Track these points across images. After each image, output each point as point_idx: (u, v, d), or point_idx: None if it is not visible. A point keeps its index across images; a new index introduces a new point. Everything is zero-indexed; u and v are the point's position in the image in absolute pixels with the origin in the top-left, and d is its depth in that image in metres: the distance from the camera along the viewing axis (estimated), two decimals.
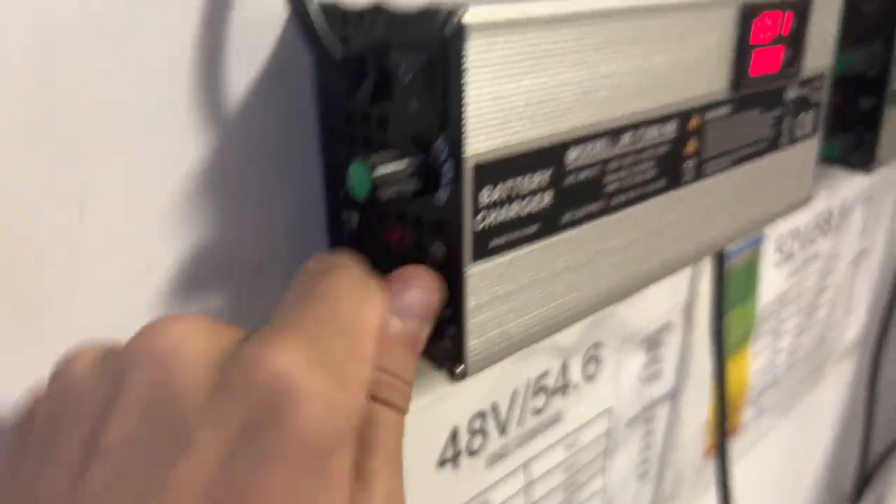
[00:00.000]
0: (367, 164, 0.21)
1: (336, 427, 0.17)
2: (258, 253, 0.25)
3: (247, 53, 0.23)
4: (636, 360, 0.46)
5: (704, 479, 0.57)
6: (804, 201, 0.39)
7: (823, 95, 0.37)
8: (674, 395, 0.50)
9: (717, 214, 0.32)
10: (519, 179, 0.22)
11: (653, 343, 0.47)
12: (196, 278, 0.24)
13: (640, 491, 0.51)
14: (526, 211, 0.23)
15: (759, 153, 0.33)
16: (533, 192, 0.23)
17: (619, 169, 0.26)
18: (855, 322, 0.74)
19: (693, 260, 0.32)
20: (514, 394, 0.38)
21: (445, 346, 0.23)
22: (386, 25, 0.21)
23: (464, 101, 0.20)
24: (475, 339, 0.23)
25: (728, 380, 0.55)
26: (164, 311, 0.23)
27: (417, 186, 0.21)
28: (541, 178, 0.23)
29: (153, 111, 0.21)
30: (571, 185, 0.24)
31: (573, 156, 0.24)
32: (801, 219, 0.57)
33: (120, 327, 0.20)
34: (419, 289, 0.21)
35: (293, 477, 0.16)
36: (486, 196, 0.22)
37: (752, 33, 0.30)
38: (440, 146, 0.21)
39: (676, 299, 0.47)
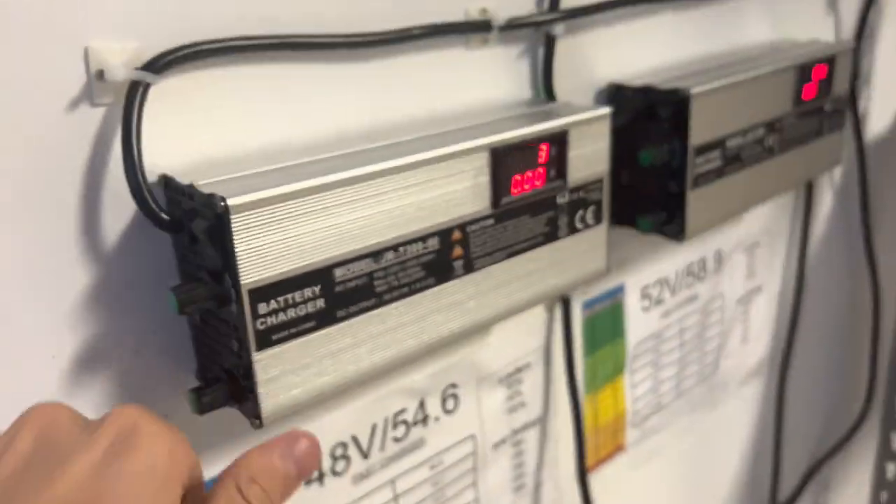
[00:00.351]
0: (174, 292, 0.32)
1: (169, 461, 0.25)
2: (137, 342, 0.37)
3: (116, 214, 0.34)
4: (496, 395, 0.56)
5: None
6: (601, 273, 0.49)
7: (604, 194, 0.47)
8: (542, 421, 0.61)
9: (498, 293, 0.43)
10: (290, 294, 0.34)
11: (512, 381, 0.57)
12: (92, 361, 0.35)
13: (518, 502, 0.61)
14: (302, 313, 0.34)
15: (535, 245, 0.44)
16: (305, 301, 0.34)
17: (386, 276, 0.37)
18: (754, 350, 0.84)
19: (476, 330, 0.42)
20: (374, 427, 0.49)
21: (248, 406, 0.34)
22: (194, 200, 0.33)
23: (235, 251, 0.31)
24: (267, 402, 0.34)
25: (600, 408, 0.66)
26: (69, 386, 0.35)
27: (214, 305, 0.33)
28: (311, 291, 0.34)
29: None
30: (342, 291, 0.35)
31: (339, 273, 0.35)
32: (666, 270, 0.67)
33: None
34: (307, 444, 0.28)
35: (136, 487, 0.25)
36: (263, 308, 0.33)
37: (506, 166, 0.41)
38: (227, 279, 0.32)
39: (534, 344, 0.58)
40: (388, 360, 0.38)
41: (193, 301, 0.32)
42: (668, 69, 0.59)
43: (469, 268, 0.41)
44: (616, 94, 0.55)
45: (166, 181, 0.34)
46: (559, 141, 0.43)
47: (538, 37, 0.50)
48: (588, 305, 0.62)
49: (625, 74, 0.56)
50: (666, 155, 0.52)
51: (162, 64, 0.33)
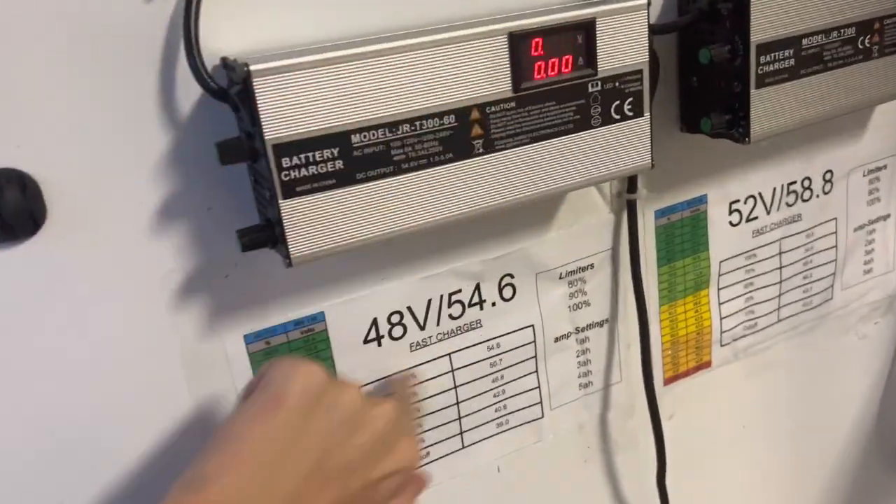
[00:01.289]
0: (217, 146, 0.40)
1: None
2: (207, 197, 0.45)
3: (186, 90, 0.43)
4: (556, 291, 0.59)
5: (663, 405, 0.68)
6: (645, 167, 0.51)
7: (644, 86, 0.48)
8: (610, 323, 0.63)
9: (522, 176, 0.46)
10: (311, 153, 0.40)
11: (574, 279, 0.60)
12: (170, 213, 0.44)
13: (589, 397, 0.64)
14: (323, 171, 0.41)
15: (564, 132, 0.47)
16: (325, 160, 0.41)
17: (403, 147, 0.42)
18: (882, 284, 0.78)
19: (498, 208, 0.46)
20: (430, 302, 0.55)
21: (281, 248, 0.42)
22: (235, 70, 0.40)
23: (259, 110, 0.38)
24: (295, 245, 0.41)
25: (679, 320, 0.67)
26: None
27: (251, 160, 0.40)
28: (330, 152, 0.41)
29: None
30: (359, 156, 0.41)
31: (356, 139, 0.41)
32: (760, 186, 0.66)
33: None
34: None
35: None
36: (287, 162, 0.40)
37: (528, 51, 0.44)
38: (256, 136, 0.39)
39: (598, 246, 0.60)
40: (406, 229, 0.43)
41: (231, 153, 0.40)
42: None
43: (490, 147, 0.45)
44: None
45: (224, 61, 0.42)
46: (586, 29, 0.45)
47: None
48: (663, 213, 0.62)
49: None
50: (727, 53, 0.52)
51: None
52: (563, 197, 0.57)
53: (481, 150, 0.45)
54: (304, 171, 0.40)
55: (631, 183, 0.58)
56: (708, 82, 0.55)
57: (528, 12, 0.46)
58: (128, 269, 0.44)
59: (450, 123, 0.43)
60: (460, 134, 0.44)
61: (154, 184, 0.43)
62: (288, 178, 0.40)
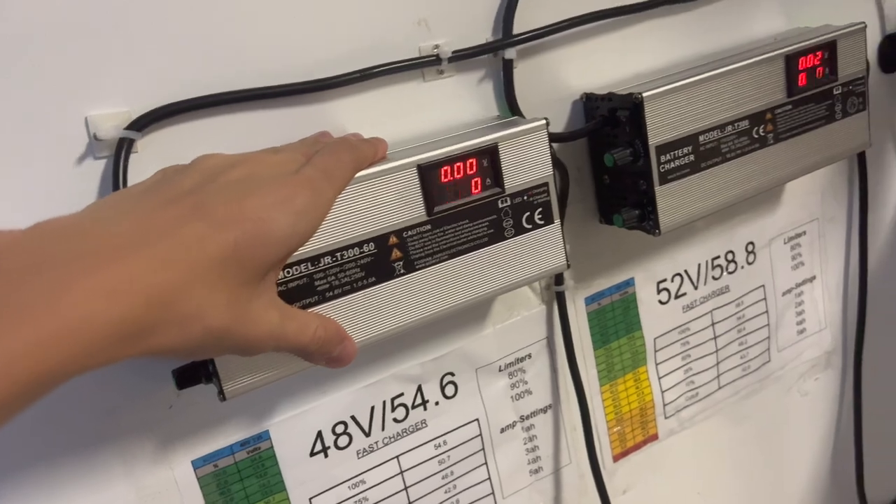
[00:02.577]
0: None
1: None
2: None
3: None
4: (498, 383, 0.62)
5: (615, 482, 0.70)
6: (561, 268, 0.54)
7: (551, 196, 0.52)
8: (553, 409, 0.66)
9: (443, 290, 0.49)
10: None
11: (514, 370, 0.63)
12: None
13: (540, 482, 0.66)
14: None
15: (479, 246, 0.50)
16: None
17: (325, 277, 0.45)
18: (817, 342, 0.82)
19: (423, 322, 0.49)
20: (373, 409, 0.57)
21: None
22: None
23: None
24: (227, 381, 0.43)
25: (622, 398, 0.69)
26: None
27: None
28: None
29: None
30: (282, 291, 0.44)
31: (279, 276, 0.44)
32: (685, 265, 0.70)
33: None
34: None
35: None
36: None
37: (437, 179, 0.48)
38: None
39: (534, 337, 0.63)
40: None
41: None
42: (654, 73, 0.62)
43: (410, 268, 0.48)
44: (588, 104, 0.59)
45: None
46: (490, 154, 0.49)
47: (497, 61, 0.56)
48: (593, 299, 0.66)
49: (610, 83, 0.61)
50: (629, 156, 0.56)
51: (143, 123, 0.44)
52: (493, 298, 0.61)
53: (402, 271, 0.48)
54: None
55: (557, 276, 0.61)
56: (617, 181, 0.59)
57: (437, 140, 0.50)
58: (72, 407, 0.46)
59: (370, 250, 0.46)
60: (381, 258, 0.47)
61: None
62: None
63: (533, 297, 0.63)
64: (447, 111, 0.55)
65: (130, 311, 0.27)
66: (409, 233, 0.47)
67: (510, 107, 0.56)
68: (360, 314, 0.47)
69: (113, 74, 0.44)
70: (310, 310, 0.45)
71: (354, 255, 0.46)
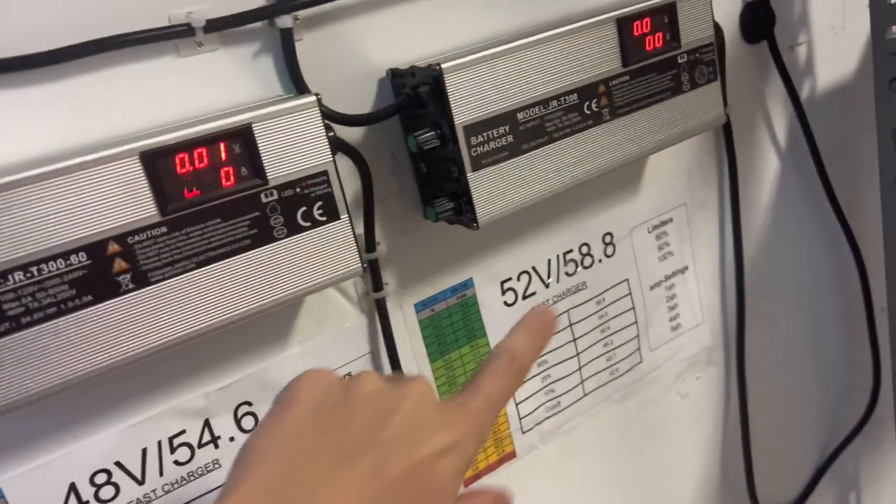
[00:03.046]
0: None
1: None
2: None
3: None
4: None
5: None
6: (356, 272, 0.46)
7: (332, 187, 0.44)
8: None
9: (193, 306, 0.40)
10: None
11: None
12: None
13: None
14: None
15: (240, 250, 0.41)
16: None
17: (18, 298, 0.36)
18: (694, 339, 0.75)
19: (163, 347, 0.40)
20: (145, 451, 0.48)
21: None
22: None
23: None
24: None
25: None
26: None
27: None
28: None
29: None
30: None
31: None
32: (533, 261, 0.62)
33: None
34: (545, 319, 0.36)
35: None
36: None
37: (172, 169, 0.39)
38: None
39: (355, 353, 0.55)
40: (46, 390, 0.37)
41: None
42: (470, 47, 0.54)
43: (142, 282, 0.39)
44: (395, 80, 0.51)
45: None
46: (244, 136, 0.41)
47: (274, 32, 0.47)
48: (425, 305, 0.58)
49: (419, 57, 0.53)
50: (435, 139, 0.48)
51: None
52: (299, 305, 0.52)
53: (131, 286, 0.39)
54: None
55: (375, 280, 0.53)
56: (433, 169, 0.51)
57: (175, 125, 0.41)
58: None
59: (80, 262, 0.37)
60: (98, 272, 0.38)
61: None
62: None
63: (348, 307, 0.54)
64: (214, 92, 0.46)
65: None
66: (137, 237, 0.39)
67: (296, 86, 0.48)
68: (75, 343, 0.38)
69: None
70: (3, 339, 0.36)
71: (58, 270, 0.37)
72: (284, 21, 0.46)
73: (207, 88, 0.46)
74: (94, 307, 0.38)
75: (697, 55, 0.58)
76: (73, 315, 0.37)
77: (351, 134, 0.51)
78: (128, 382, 0.46)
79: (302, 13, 0.48)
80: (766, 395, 0.82)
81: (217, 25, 0.45)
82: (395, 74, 0.51)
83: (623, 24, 0.54)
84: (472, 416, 0.32)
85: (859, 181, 0.84)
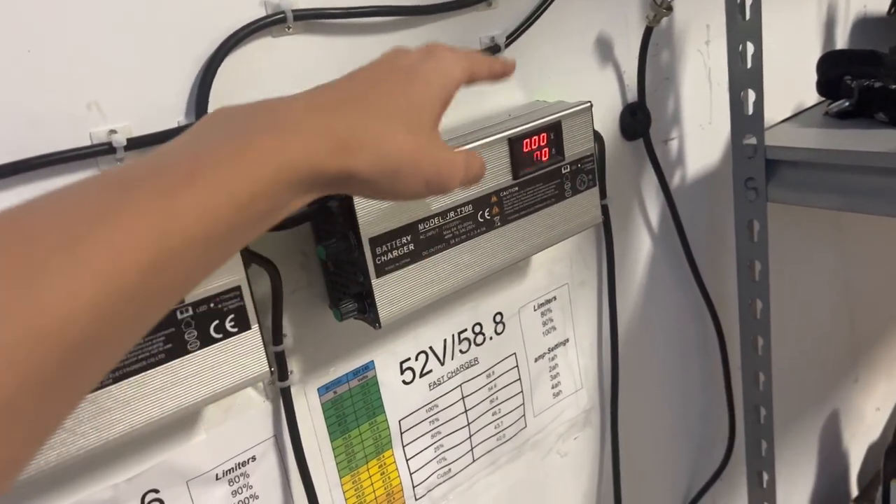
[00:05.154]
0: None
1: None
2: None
3: None
4: (215, 493, 0.56)
5: None
6: (263, 376, 0.50)
7: (245, 301, 0.48)
8: None
9: (108, 418, 0.43)
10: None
11: (236, 476, 0.57)
12: None
13: None
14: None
15: (150, 366, 0.44)
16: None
17: None
18: (574, 403, 0.83)
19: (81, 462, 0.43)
20: None
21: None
22: None
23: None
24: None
25: (365, 486, 0.66)
26: None
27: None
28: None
29: None
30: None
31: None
32: (430, 342, 0.67)
33: None
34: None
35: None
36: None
37: None
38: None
39: (259, 436, 0.58)
40: None
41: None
42: None
43: None
44: None
45: None
46: None
47: None
48: (328, 388, 0.62)
49: None
50: (343, 249, 0.53)
51: None
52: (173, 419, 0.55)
53: None
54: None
55: (281, 370, 0.57)
56: (339, 269, 0.56)
57: None
58: None
59: None
60: None
61: None
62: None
63: (255, 396, 0.58)
64: None
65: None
66: None
67: None
68: None
69: None
70: None
71: None
72: None
73: None
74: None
75: (579, 165, 0.65)
76: None
77: (263, 236, 0.54)
78: (35, 481, 0.48)
79: None
80: (637, 449, 0.91)
81: (135, 144, 0.47)
82: None
83: (514, 142, 0.60)
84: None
85: (721, 260, 0.94)
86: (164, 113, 0.49)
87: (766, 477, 0.97)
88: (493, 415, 0.75)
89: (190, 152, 0.30)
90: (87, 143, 0.46)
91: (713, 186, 0.92)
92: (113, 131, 0.47)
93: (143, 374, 0.44)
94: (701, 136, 0.89)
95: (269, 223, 0.33)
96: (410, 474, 0.69)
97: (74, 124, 0.46)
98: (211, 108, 0.50)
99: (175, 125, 0.49)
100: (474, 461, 0.74)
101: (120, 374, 0.43)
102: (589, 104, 0.65)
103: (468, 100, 0.65)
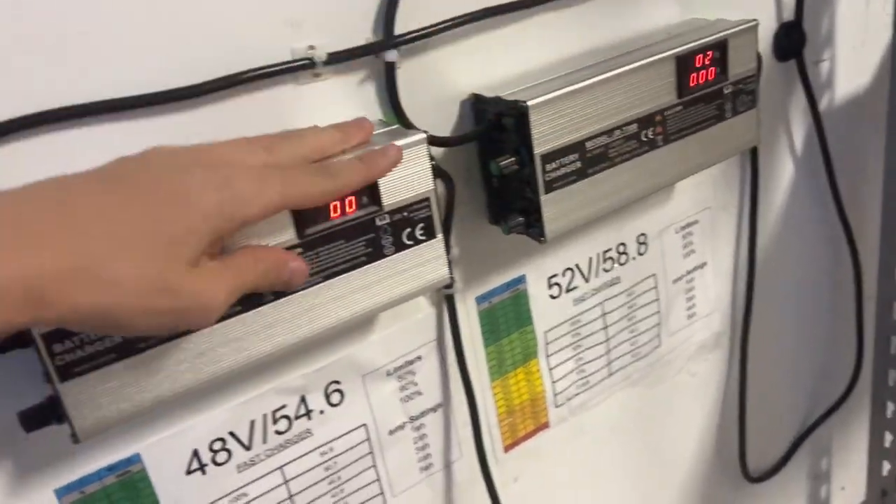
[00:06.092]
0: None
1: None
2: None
3: None
4: (386, 387, 0.61)
5: (506, 471, 0.72)
6: (444, 282, 0.53)
7: (433, 211, 0.50)
8: (444, 407, 0.65)
9: (316, 312, 0.47)
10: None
11: (403, 373, 0.62)
12: None
13: (431, 478, 0.67)
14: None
15: (357, 265, 0.48)
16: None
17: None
18: (706, 325, 0.84)
19: (295, 346, 0.47)
20: (253, 423, 0.55)
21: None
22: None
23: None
24: (79, 422, 0.41)
25: (513, 391, 0.70)
26: None
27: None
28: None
29: None
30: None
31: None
32: (576, 259, 0.70)
33: None
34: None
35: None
36: (58, 348, 0.39)
37: None
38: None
39: (424, 339, 0.62)
40: (192, 385, 0.44)
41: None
42: (544, 69, 0.60)
43: (279, 294, 0.46)
44: (477, 105, 0.57)
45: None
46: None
47: (379, 63, 0.53)
48: (484, 298, 0.65)
49: (499, 81, 0.59)
50: (515, 164, 0.55)
51: None
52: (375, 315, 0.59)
53: (272, 297, 0.46)
54: (79, 353, 0.40)
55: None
56: (505, 185, 0.58)
57: None
58: None
59: None
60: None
61: None
62: (62, 362, 0.40)
63: (422, 301, 0.62)
64: (325, 117, 0.52)
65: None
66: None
67: (394, 111, 0.54)
68: (217, 348, 0.45)
69: None
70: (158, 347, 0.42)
71: None
72: (391, 55, 0.52)
73: (321, 114, 0.51)
74: (243, 315, 0.45)
75: (741, 85, 0.65)
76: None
77: (436, 151, 0.57)
78: (246, 370, 0.53)
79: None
80: (761, 373, 0.92)
81: (335, 59, 0.50)
82: (478, 100, 0.57)
83: (682, 60, 0.60)
84: (255, 169, 0.38)
85: (862, 189, 0.92)
86: (354, 30, 0.52)
87: (891, 407, 0.97)
88: (630, 332, 0.77)
89: None
90: (289, 58, 0.49)
91: (861, 112, 0.89)
92: (311, 47, 0.50)
93: (348, 273, 0.48)
94: (854, 59, 0.86)
95: None
96: (553, 382, 0.72)
97: (276, 40, 0.49)
98: (399, 26, 0.52)
99: (363, 42, 0.52)
100: (610, 375, 0.77)
101: (330, 272, 0.47)
102: (755, 22, 0.64)
103: (622, 12, 0.65)
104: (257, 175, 0.38)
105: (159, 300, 0.33)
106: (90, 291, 0.30)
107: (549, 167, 0.55)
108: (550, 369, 0.72)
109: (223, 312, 0.37)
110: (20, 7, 0.41)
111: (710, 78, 0.62)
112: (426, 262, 0.51)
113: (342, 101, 0.52)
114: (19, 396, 0.44)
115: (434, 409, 0.65)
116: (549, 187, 0.55)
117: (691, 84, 0.61)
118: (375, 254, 0.49)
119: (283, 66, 0.49)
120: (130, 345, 0.41)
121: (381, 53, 0.52)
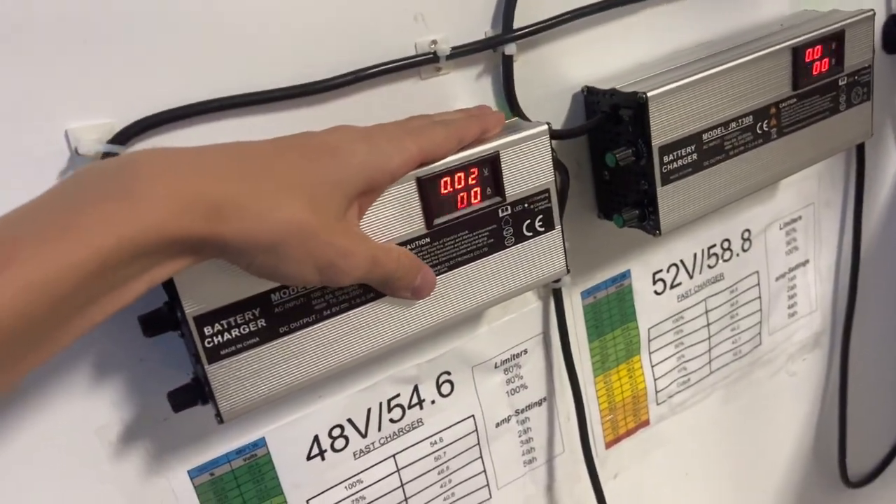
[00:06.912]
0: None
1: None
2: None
3: None
4: (493, 379, 0.62)
5: (607, 467, 0.71)
6: (560, 273, 0.53)
7: (553, 203, 0.51)
8: (549, 401, 0.66)
9: (440, 302, 0.48)
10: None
11: (510, 366, 0.62)
12: None
13: (534, 472, 0.67)
14: (244, 332, 0.42)
15: (479, 256, 0.49)
16: (247, 321, 0.42)
17: (323, 295, 0.44)
18: (807, 324, 0.82)
19: (418, 336, 0.48)
20: (369, 411, 0.57)
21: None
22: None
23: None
24: (224, 403, 0.43)
25: (615, 387, 0.69)
26: None
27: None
28: (251, 313, 0.42)
29: None
30: (280, 312, 0.43)
31: (276, 297, 0.42)
32: (681, 255, 0.69)
33: None
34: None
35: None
36: (208, 330, 0.41)
37: (437, 191, 0.46)
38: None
39: (530, 332, 0.63)
40: (331, 370, 0.45)
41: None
42: (656, 62, 0.60)
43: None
44: (589, 97, 0.57)
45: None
46: (492, 163, 0.47)
47: (496, 56, 0.54)
48: (589, 293, 0.65)
49: (611, 74, 0.59)
50: (631, 156, 0.55)
51: (127, 135, 0.42)
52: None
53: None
54: (226, 336, 0.42)
55: None
56: (618, 178, 0.58)
57: None
58: (62, 425, 0.45)
59: None
60: None
61: (86, 339, 0.45)
62: (211, 344, 0.41)
63: (529, 295, 0.62)
64: (444, 109, 0.53)
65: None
66: (410, 246, 0.46)
67: (510, 104, 0.54)
68: (352, 332, 0.46)
69: (94, 84, 0.41)
70: (305, 330, 0.44)
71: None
72: (510, 48, 0.52)
73: (441, 106, 0.52)
74: (371, 304, 0.46)
75: (856, 77, 0.63)
76: (357, 309, 0.45)
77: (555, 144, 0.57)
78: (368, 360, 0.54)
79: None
80: (863, 375, 0.89)
81: (457, 52, 0.51)
82: (590, 92, 0.57)
83: (798, 52, 0.59)
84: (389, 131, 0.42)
85: None
86: (474, 24, 0.52)
87: None
88: (731, 330, 0.76)
89: (11, 233, 0.29)
90: (413, 52, 0.50)
91: None
92: (434, 41, 0.51)
93: (472, 264, 0.49)
94: None
95: (133, 290, 0.32)
96: (654, 380, 0.72)
97: (401, 35, 0.50)
98: (517, 20, 0.52)
99: (481, 36, 0.52)
100: (711, 373, 0.76)
101: (454, 263, 0.48)
102: (872, 12, 0.62)
103: (732, 4, 0.64)
104: (395, 134, 0.42)
105: (320, 250, 0.36)
106: (256, 219, 0.34)
107: (666, 159, 0.54)
108: (652, 366, 0.71)
109: (354, 281, 0.40)
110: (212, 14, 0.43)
111: (825, 69, 0.61)
112: (544, 253, 0.52)
113: (461, 94, 0.53)
114: (161, 381, 0.46)
115: (539, 403, 0.65)
116: (666, 179, 0.55)
117: (806, 76, 0.60)
118: (497, 244, 0.49)
119: (410, 61, 0.50)
120: (272, 329, 0.43)
121: (499, 47, 0.53)
